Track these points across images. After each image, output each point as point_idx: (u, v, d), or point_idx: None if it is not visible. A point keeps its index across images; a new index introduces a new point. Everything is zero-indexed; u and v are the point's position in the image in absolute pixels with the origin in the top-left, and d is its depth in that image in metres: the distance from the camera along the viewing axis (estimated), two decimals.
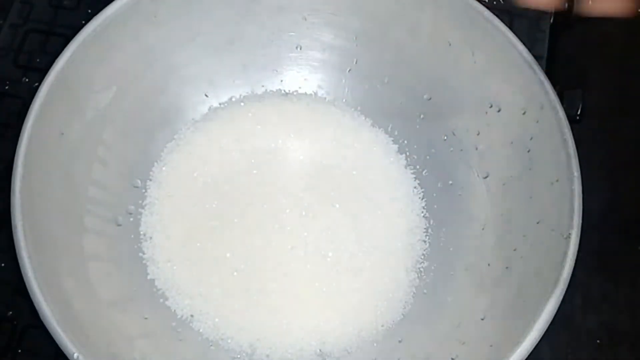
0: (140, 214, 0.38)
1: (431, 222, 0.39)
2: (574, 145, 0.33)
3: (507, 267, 0.35)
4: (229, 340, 0.36)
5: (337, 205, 0.39)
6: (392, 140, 0.41)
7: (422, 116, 0.40)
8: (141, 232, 0.38)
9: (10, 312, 0.37)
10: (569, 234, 0.31)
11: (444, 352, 0.34)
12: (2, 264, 0.38)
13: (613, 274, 0.39)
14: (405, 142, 0.41)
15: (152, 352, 0.34)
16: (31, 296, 0.30)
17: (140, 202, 0.39)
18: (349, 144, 0.41)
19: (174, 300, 0.37)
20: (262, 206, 0.39)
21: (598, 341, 0.38)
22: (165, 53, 0.38)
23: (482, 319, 0.34)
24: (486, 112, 0.37)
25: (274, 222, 0.38)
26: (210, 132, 0.40)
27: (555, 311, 0.30)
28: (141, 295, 0.36)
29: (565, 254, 0.31)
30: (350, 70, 0.41)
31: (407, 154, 0.41)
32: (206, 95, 0.41)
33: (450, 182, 0.39)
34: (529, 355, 0.30)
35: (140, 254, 0.37)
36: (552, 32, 0.44)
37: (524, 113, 0.35)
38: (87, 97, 0.36)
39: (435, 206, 0.40)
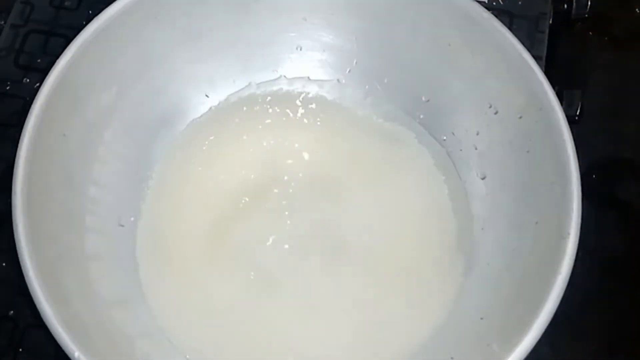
0: (141, 214, 0.38)
1: None
2: (574, 146, 0.33)
3: (507, 267, 0.35)
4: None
5: (340, 207, 0.39)
6: None
7: (421, 116, 0.40)
8: (142, 232, 0.38)
9: (11, 312, 0.37)
10: (568, 233, 0.31)
11: (443, 352, 0.34)
12: (3, 264, 0.38)
13: (613, 274, 0.39)
14: None
15: (153, 352, 0.34)
16: (32, 296, 0.30)
17: (141, 202, 0.39)
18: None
19: None
20: (264, 206, 0.39)
21: (597, 341, 0.38)
22: (166, 53, 0.38)
23: (482, 319, 0.34)
24: (485, 113, 0.37)
25: (275, 221, 0.38)
26: (210, 132, 0.40)
27: (554, 311, 0.30)
28: (142, 295, 0.36)
29: (564, 253, 0.31)
30: (350, 70, 0.41)
31: None
32: (206, 96, 0.41)
33: None
34: (528, 355, 0.30)
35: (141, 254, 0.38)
36: (552, 33, 0.44)
37: (523, 113, 0.35)
38: (87, 98, 0.36)
39: None
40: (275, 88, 0.42)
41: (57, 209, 0.34)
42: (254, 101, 0.42)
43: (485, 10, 0.36)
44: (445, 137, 0.40)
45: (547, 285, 0.31)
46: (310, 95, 0.42)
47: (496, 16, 0.36)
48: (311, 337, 0.36)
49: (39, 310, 0.29)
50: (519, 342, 0.30)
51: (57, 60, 0.34)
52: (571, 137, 0.33)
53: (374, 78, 0.41)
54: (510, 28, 0.36)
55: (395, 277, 0.37)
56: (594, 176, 0.41)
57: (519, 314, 0.31)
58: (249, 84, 0.41)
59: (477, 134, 0.38)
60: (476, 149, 0.38)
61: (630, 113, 0.43)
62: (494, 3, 0.45)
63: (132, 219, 0.38)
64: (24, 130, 0.32)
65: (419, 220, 0.39)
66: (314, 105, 0.42)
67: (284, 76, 0.42)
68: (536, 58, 0.36)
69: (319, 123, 0.41)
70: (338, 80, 0.42)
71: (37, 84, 0.40)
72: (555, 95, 0.34)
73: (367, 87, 0.41)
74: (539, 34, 0.44)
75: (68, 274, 0.32)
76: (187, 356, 0.35)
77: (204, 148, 0.40)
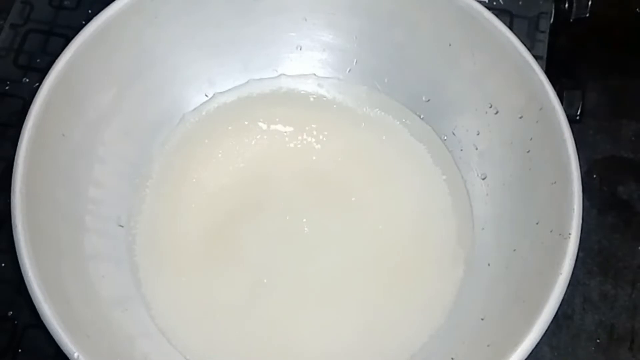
0: (141, 214, 0.38)
1: None
2: (574, 146, 0.33)
3: (507, 267, 0.35)
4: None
5: (340, 207, 0.39)
6: None
7: (421, 116, 0.40)
8: (141, 232, 0.38)
9: (11, 312, 0.37)
10: (569, 234, 0.31)
11: (443, 352, 0.34)
12: (3, 264, 0.38)
13: (613, 274, 0.39)
14: None
15: (153, 352, 0.34)
16: (31, 296, 0.30)
17: (140, 201, 0.39)
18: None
19: None
20: (264, 206, 0.39)
21: (598, 341, 0.38)
22: (166, 53, 0.38)
23: (482, 319, 0.34)
24: (486, 113, 0.37)
25: (275, 221, 0.38)
26: (210, 133, 0.40)
27: (555, 311, 0.30)
28: (142, 295, 0.36)
29: (565, 254, 0.31)
30: (350, 70, 0.41)
31: None
32: (206, 95, 0.41)
33: None
34: (528, 355, 0.30)
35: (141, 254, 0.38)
36: (552, 33, 0.44)
37: (523, 113, 0.35)
38: (87, 98, 0.36)
39: None
40: (275, 88, 0.42)
41: (57, 209, 0.34)
42: (253, 101, 0.42)
43: (486, 9, 0.36)
44: (445, 137, 0.40)
45: (548, 286, 0.31)
46: (310, 94, 0.42)
47: (496, 16, 0.36)
48: (311, 338, 0.36)
49: (39, 310, 0.29)
50: (519, 342, 0.30)
51: (57, 60, 0.34)
52: (572, 137, 0.33)
53: (374, 78, 0.41)
54: (510, 28, 0.36)
55: (395, 277, 0.37)
56: (594, 176, 0.41)
57: (519, 314, 0.31)
58: (249, 83, 0.41)
59: (478, 134, 0.38)
60: (476, 149, 0.38)
61: (630, 113, 0.43)
62: (494, 3, 0.45)
63: (132, 219, 0.38)
64: (23, 130, 0.32)
65: (419, 220, 0.39)
66: (313, 105, 0.42)
67: (284, 76, 0.42)
68: (537, 58, 0.36)
69: (318, 123, 0.41)
70: (338, 79, 0.42)
71: (37, 84, 0.40)
72: (555, 95, 0.34)
73: (367, 86, 0.41)
74: (540, 33, 0.44)
75: (68, 274, 0.32)
76: (187, 356, 0.35)
77: (204, 148, 0.40)
